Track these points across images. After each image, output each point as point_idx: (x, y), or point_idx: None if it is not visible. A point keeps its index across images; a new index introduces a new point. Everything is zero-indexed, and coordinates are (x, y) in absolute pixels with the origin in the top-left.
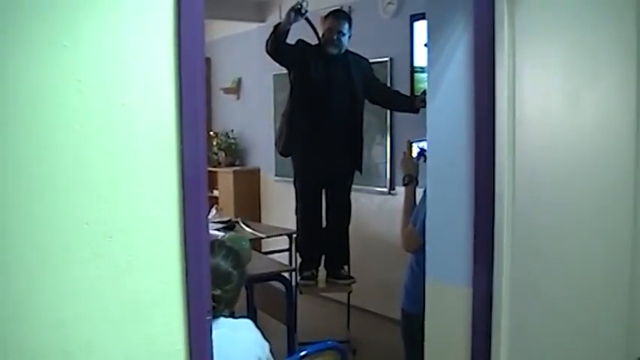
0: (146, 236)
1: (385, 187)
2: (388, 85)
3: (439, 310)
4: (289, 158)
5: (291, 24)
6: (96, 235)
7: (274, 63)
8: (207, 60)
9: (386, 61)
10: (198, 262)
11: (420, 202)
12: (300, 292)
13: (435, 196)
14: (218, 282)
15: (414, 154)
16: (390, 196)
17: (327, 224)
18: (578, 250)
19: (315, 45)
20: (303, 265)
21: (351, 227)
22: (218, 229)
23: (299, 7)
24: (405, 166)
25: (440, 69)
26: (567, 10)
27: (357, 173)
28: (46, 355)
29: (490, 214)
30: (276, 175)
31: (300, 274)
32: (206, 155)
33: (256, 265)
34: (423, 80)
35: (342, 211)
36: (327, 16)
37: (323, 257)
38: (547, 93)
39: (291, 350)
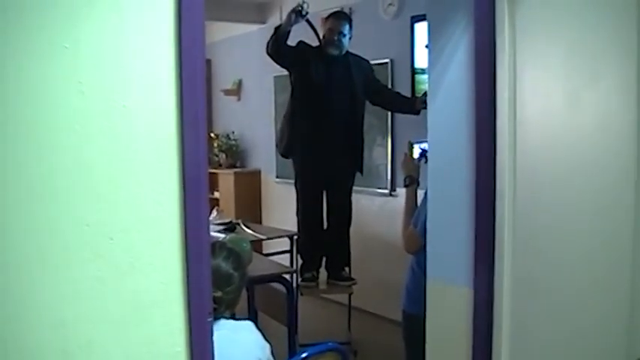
0: (147, 237)
1: (386, 188)
2: (389, 86)
3: (440, 311)
4: (290, 160)
5: (291, 25)
6: (96, 235)
7: (275, 64)
8: (208, 62)
9: (387, 63)
10: (199, 263)
11: (421, 204)
12: (301, 294)
13: (436, 197)
14: (219, 283)
15: (415, 155)
16: (390, 198)
17: (327, 226)
18: (579, 249)
19: (316, 46)
20: (303, 266)
21: (351, 229)
22: (219, 231)
23: (300, 8)
24: (406, 167)
25: (440, 70)
26: (567, 10)
27: (357, 174)
28: (46, 355)
29: (491, 215)
30: (276, 176)
31: (300, 276)
32: (207, 155)
33: (257, 267)
34: (423, 81)
35: (342, 212)
36: (327, 18)
37: (324, 259)
38: (547, 93)
39: (292, 352)
